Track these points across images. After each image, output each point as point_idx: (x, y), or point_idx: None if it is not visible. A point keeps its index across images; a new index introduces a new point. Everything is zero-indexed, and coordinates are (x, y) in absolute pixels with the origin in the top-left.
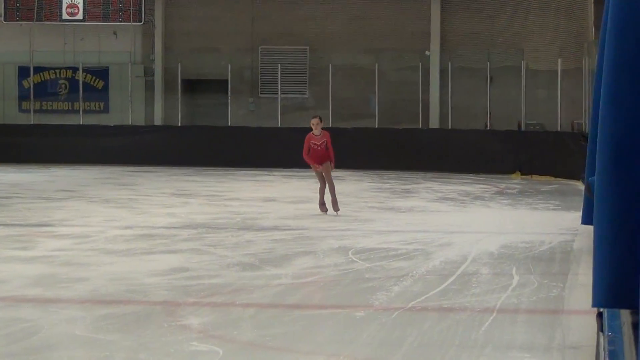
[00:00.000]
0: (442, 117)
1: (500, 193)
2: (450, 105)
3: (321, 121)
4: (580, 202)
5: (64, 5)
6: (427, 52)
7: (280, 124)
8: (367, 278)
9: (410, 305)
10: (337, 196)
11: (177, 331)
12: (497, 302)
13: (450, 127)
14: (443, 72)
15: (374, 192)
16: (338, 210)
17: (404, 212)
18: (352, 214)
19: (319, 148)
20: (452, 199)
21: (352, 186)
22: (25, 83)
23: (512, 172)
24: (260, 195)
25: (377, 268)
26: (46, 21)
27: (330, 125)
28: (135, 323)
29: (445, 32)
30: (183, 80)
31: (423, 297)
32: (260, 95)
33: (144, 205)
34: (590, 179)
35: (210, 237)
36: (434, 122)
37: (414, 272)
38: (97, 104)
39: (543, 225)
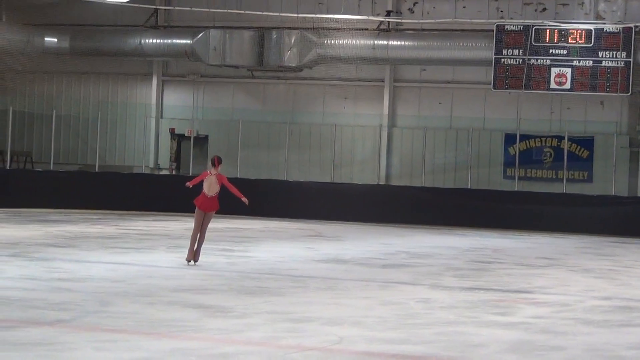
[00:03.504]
0: None
1: None
2: None
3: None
4: None
5: (553, 75)
6: None
7: None
8: None
9: None
10: None
11: None
12: None
13: None
14: None
15: None
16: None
17: None
18: None
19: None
20: None
21: None
22: (511, 150)
23: None
24: None
25: None
26: (534, 90)
27: None
28: None
29: None
30: None
31: None
32: None
33: (625, 276)
34: None
35: None
36: None
37: None
38: (580, 173)
39: None
